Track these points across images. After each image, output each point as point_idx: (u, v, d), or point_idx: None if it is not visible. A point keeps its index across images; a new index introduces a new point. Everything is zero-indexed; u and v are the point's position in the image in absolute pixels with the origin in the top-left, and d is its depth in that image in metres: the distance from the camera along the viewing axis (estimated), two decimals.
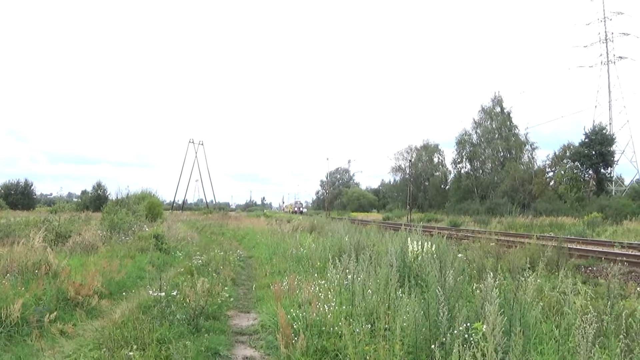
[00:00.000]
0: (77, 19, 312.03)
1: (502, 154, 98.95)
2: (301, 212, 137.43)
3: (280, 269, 17.58)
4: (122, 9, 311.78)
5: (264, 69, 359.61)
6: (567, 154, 77.82)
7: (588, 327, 5.92)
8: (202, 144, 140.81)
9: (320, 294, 10.75)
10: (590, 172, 72.11)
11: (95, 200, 67.60)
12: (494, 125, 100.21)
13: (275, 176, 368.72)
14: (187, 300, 10.98)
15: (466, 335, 6.76)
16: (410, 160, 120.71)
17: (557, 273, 11.29)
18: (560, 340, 7.06)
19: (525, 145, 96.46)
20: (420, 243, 14.13)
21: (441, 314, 7.01)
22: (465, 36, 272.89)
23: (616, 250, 25.04)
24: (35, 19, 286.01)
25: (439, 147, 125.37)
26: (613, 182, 74.84)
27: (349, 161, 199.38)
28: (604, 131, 71.52)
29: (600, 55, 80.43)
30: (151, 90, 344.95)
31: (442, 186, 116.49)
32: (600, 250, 24.22)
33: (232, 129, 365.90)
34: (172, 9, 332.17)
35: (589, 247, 26.16)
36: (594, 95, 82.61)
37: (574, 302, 7.85)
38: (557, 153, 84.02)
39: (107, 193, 71.61)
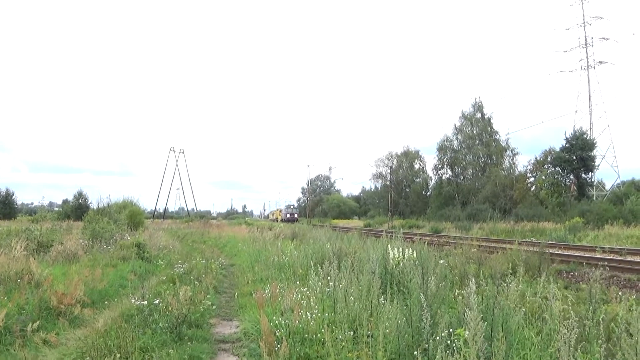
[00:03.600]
0: (60, 27, 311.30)
1: (483, 159, 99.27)
2: (295, 220, 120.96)
3: (262, 277, 17.58)
4: (103, 17, 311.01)
5: (245, 77, 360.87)
6: (548, 159, 78.00)
7: (569, 332, 5.96)
8: (182, 152, 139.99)
9: (302, 302, 10.78)
10: (571, 177, 72.35)
11: (77, 209, 67.23)
12: (474, 131, 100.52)
13: (256, 184, 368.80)
14: (170, 308, 10.97)
15: (449, 342, 6.80)
16: (391, 167, 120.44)
17: (539, 278, 11.35)
18: (542, 346, 7.11)
19: (506, 151, 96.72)
20: (401, 250, 14.18)
21: (424, 321, 7.04)
22: (445, 42, 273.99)
23: (598, 255, 25.24)
24: (16, 28, 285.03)
25: (420, 153, 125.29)
26: (594, 187, 75.07)
27: (330, 168, 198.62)
28: (585, 136, 71.74)
29: (580, 60, 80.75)
30: (132, 98, 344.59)
31: (423, 192, 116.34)
32: (582, 255, 24.43)
33: (213, 137, 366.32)
34: (153, 17, 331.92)
35: (571, 252, 26.40)
36: (574, 100, 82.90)
37: (556, 308, 7.89)
38: (538, 158, 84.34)
39: (89, 202, 71.28)
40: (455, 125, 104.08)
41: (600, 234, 42.34)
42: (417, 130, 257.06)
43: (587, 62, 79.62)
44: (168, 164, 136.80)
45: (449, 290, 10.75)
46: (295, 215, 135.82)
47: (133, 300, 11.79)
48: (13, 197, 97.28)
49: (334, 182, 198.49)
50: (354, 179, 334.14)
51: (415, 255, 13.51)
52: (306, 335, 8.87)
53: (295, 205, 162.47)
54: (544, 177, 75.90)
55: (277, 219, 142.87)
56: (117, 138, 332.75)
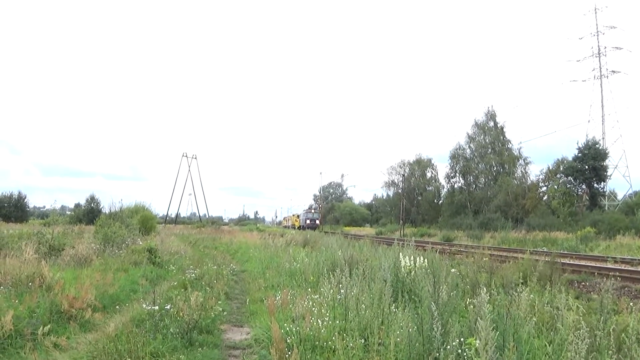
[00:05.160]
0: (72, 30, 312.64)
1: (495, 168, 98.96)
2: (316, 227, 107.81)
3: (273, 283, 17.58)
4: (117, 20, 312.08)
5: (259, 83, 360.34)
6: (561, 168, 77.75)
7: (581, 342, 5.95)
8: (195, 158, 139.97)
9: (313, 309, 10.75)
10: (584, 186, 72.12)
11: (89, 213, 67.36)
12: (487, 140, 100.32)
13: (268, 190, 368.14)
14: (181, 314, 11.00)
15: (459, 351, 6.79)
16: (403, 175, 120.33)
17: (550, 288, 11.31)
18: (553, 356, 7.09)
19: (518, 160, 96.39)
20: (413, 258, 14.15)
21: (435, 329, 7.04)
22: (459, 50, 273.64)
23: (609, 265, 25.15)
24: (28, 31, 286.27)
25: (432, 161, 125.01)
26: (606, 197, 74.76)
27: (342, 175, 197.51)
28: (597, 146, 71.51)
29: (593, 69, 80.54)
30: (145, 103, 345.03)
31: (435, 201, 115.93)
32: (593, 265, 24.29)
33: (226, 143, 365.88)
34: (165, 22, 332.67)
35: (582, 262, 26.25)
36: (587, 110, 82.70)
37: (567, 318, 7.87)
38: (550, 168, 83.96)
39: (101, 206, 71.22)
40: (468, 133, 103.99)
41: (611, 244, 42.18)
42: (430, 138, 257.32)
43: (600, 71, 79.50)
44: (180, 169, 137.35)
45: (460, 299, 10.72)
46: (317, 222, 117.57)
47: (144, 305, 11.80)
48: (25, 201, 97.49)
49: (346, 189, 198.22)
50: (366, 187, 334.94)
51: (426, 263, 13.52)
52: (317, 343, 8.86)
53: (317, 208, 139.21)
54: (556, 187, 75.65)
55: (293, 225, 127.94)
56: (130, 142, 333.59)
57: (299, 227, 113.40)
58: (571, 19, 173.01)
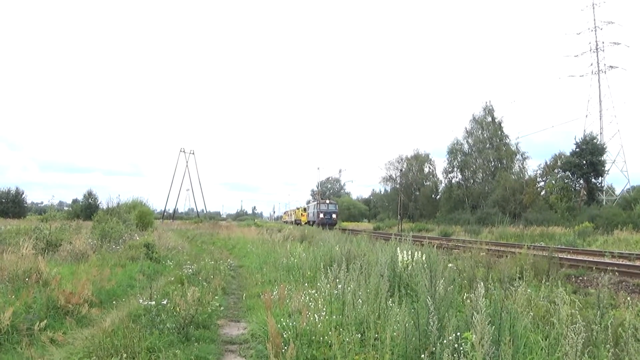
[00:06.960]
0: (71, 26, 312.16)
1: (493, 163, 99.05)
2: (334, 223, 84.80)
3: (270, 279, 17.55)
4: (116, 16, 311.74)
5: (256, 79, 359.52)
6: (558, 163, 77.85)
7: (577, 336, 5.93)
8: (193, 153, 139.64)
9: (310, 304, 10.75)
10: (581, 181, 72.20)
11: (86, 209, 67.05)
12: (485, 135, 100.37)
13: (266, 185, 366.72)
14: (178, 309, 10.96)
15: (456, 345, 6.78)
16: (400, 170, 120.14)
17: (547, 282, 11.31)
18: (550, 350, 7.08)
19: (516, 155, 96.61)
20: (410, 253, 14.15)
21: (431, 324, 7.02)
22: (456, 45, 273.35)
23: (607, 260, 25.11)
24: (27, 27, 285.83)
25: (430, 156, 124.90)
26: (604, 192, 74.88)
27: (340, 171, 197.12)
28: (595, 141, 71.55)
29: (591, 64, 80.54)
30: (143, 98, 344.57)
31: (433, 196, 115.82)
32: (591, 260, 24.29)
33: (224, 138, 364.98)
34: (164, 19, 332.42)
35: (580, 257, 26.29)
36: (585, 105, 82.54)
37: (564, 312, 7.86)
38: (548, 163, 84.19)
39: (98, 202, 70.98)
40: (465, 128, 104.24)
41: (609, 239, 42.21)
42: (428, 133, 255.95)
43: (598, 66, 79.56)
44: (178, 165, 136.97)
45: (457, 294, 10.70)
46: (334, 216, 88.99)
47: (141, 301, 11.77)
48: (23, 196, 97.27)
49: (344, 184, 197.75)
50: (364, 182, 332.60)
51: (424, 258, 13.49)
52: (313, 338, 8.84)
53: (334, 201, 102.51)
54: (553, 182, 75.82)
55: (298, 220, 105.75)
56: (128, 138, 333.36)
57: (307, 223, 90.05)
58: (569, 14, 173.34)
